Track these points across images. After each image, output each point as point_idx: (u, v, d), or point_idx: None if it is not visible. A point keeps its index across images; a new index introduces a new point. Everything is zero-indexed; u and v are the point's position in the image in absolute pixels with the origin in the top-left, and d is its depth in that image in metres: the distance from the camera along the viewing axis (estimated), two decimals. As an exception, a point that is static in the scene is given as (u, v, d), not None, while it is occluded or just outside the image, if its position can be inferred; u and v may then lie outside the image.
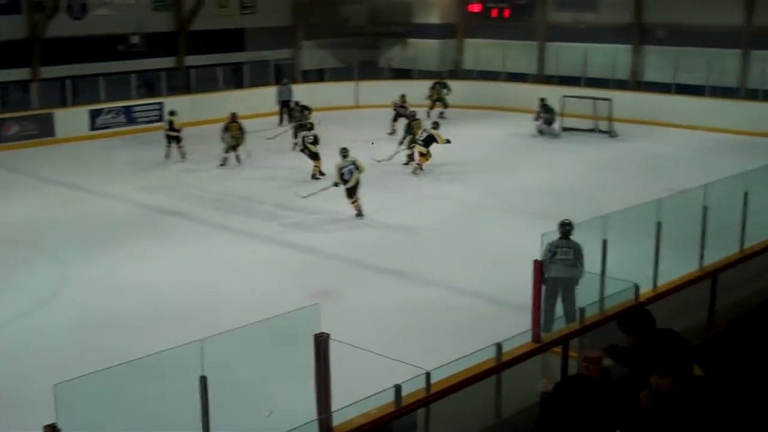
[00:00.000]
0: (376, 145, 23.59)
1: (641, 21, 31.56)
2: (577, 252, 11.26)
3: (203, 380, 6.30)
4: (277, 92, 29.63)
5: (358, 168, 17.59)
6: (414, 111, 24.54)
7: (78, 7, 28.71)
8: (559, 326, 9.41)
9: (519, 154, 24.64)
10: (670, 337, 4.98)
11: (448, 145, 21.92)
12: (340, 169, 17.69)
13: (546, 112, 27.11)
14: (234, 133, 22.75)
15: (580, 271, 11.20)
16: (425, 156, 21.90)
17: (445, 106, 29.74)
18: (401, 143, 22.93)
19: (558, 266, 11.28)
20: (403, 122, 24.42)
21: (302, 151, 21.56)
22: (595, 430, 4.01)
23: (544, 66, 33.48)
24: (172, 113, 23.99)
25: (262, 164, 22.96)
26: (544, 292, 10.65)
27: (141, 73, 29.34)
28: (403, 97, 27.22)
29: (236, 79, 31.77)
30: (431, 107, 29.59)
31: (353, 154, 18.07)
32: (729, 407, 4.99)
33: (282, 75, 31.49)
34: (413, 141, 22.39)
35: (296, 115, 24.91)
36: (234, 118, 22.95)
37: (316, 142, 21.29)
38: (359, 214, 17.59)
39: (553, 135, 26.98)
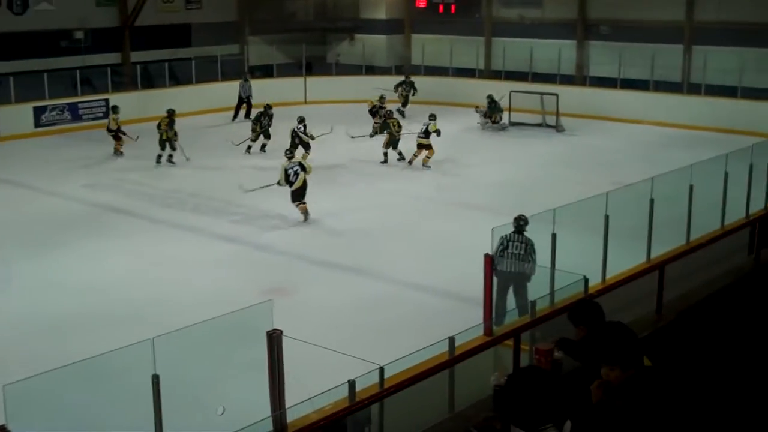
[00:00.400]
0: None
1: (585, 17, 31.96)
2: (528, 247, 11.36)
3: (155, 379, 6.26)
4: (240, 88, 29.42)
5: (304, 169, 17.30)
6: (390, 110, 24.55)
7: (19, 2, 28.21)
8: (512, 319, 9.49)
9: (468, 149, 24.75)
10: (619, 330, 5.06)
11: (435, 137, 22.17)
12: (286, 170, 17.37)
13: (491, 109, 27.36)
14: (162, 128, 22.27)
15: (531, 266, 11.29)
16: (430, 148, 22.19)
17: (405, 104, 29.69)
18: (374, 135, 23.12)
19: (509, 260, 11.36)
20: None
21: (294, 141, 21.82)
22: (546, 421, 4.05)
23: (491, 61, 33.74)
24: (113, 110, 23.78)
25: (211, 160, 22.78)
26: (495, 286, 10.76)
27: (85, 69, 28.88)
28: (382, 97, 26.99)
29: (170, 74, 31.15)
30: (404, 105, 29.39)
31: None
32: (678, 398, 5.09)
33: (241, 71, 31.29)
34: (393, 140, 22.58)
35: (262, 121, 24.14)
36: (168, 114, 22.51)
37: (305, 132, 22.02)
38: (305, 219, 17.27)
39: (502, 128, 27.30)
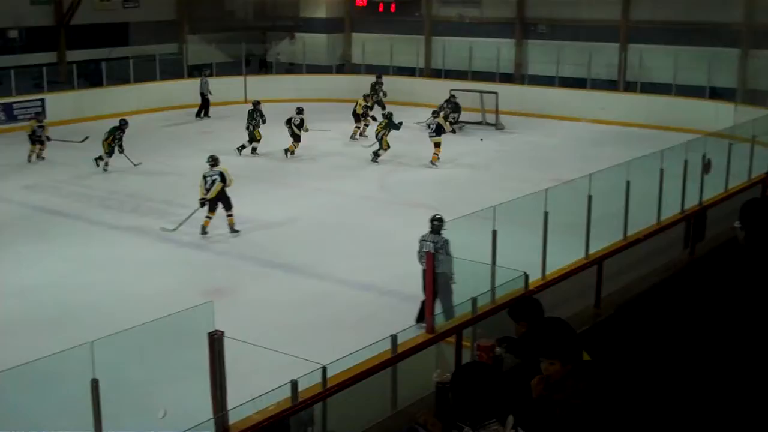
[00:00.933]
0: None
1: (524, 16, 32.30)
2: (437, 245, 11.51)
3: (94, 383, 6.16)
4: (201, 85, 29.44)
5: (224, 180, 16.22)
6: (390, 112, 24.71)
7: (-50, 0, 27.63)
8: (439, 322, 9.40)
9: (408, 147, 24.82)
10: (558, 325, 5.16)
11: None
12: (204, 177, 16.30)
13: (455, 110, 27.35)
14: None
15: (441, 265, 11.41)
16: (438, 147, 22.47)
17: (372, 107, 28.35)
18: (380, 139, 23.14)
19: (422, 260, 11.56)
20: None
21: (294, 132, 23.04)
22: (490, 416, 4.09)
23: (431, 60, 33.92)
24: (35, 115, 23.35)
25: (151, 161, 22.49)
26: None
27: (20, 68, 28.28)
28: (366, 96, 26.86)
29: (107, 73, 30.52)
30: (372, 106, 28.03)
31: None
32: (617, 390, 5.18)
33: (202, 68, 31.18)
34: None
35: (255, 117, 23.79)
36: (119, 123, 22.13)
37: (301, 125, 22.94)
38: (202, 232, 16.25)
39: (460, 128, 27.40)
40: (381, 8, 35.15)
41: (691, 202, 13.03)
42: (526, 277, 9.54)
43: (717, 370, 5.38)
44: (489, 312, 9.01)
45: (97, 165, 21.70)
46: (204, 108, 29.43)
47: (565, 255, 10.78)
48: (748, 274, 5.27)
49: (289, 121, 23.09)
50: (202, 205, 16.31)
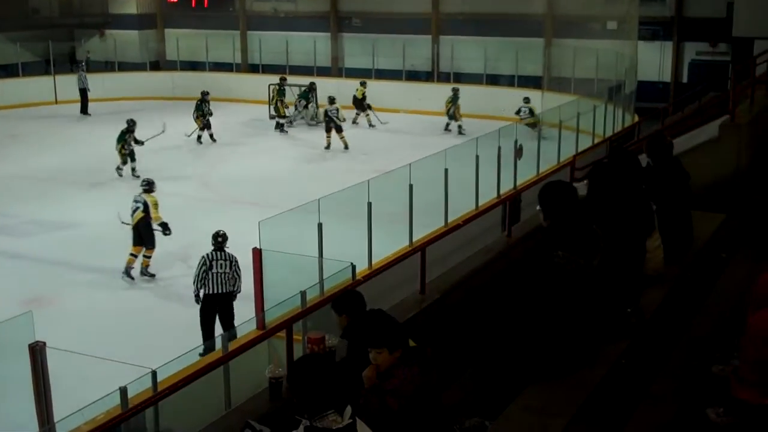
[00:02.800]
0: None
1: (338, 9, 32.62)
2: (233, 264, 11.46)
3: None
4: (79, 80, 28.68)
5: (147, 209, 14.01)
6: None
7: None
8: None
9: (229, 144, 24.65)
10: (380, 315, 5.36)
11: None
12: (134, 201, 14.32)
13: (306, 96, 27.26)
14: None
15: (238, 284, 11.52)
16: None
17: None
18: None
19: (215, 281, 11.42)
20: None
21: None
22: (329, 407, 4.18)
23: (247, 55, 33.71)
24: None
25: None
26: (200, 310, 11.23)
27: None
28: (363, 84, 27.31)
29: None
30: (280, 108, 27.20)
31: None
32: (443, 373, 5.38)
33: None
34: None
35: (204, 108, 24.27)
36: None
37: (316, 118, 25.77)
38: (124, 272, 14.10)
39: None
40: (194, 3, 34.63)
41: (506, 186, 13.57)
42: (353, 267, 9.67)
43: (537, 345, 5.69)
44: (318, 304, 9.08)
45: (120, 173, 20.68)
46: (83, 104, 28.42)
47: (391, 244, 11.01)
48: (548, 253, 5.62)
49: (326, 113, 23.86)
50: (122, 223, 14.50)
